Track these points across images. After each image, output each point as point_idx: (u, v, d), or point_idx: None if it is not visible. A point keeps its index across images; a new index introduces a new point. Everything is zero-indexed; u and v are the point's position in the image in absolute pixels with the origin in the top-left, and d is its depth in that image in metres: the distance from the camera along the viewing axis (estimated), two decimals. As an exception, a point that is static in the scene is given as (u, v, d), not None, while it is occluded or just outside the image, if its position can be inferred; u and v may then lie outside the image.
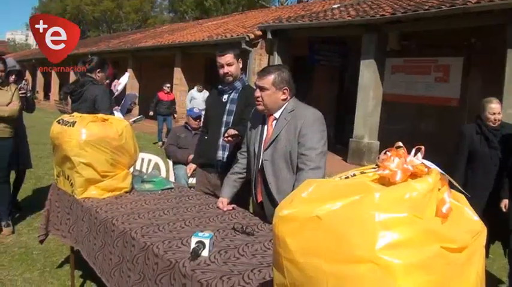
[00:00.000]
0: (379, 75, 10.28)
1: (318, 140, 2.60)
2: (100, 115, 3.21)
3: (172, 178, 5.37)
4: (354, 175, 1.45)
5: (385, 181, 1.37)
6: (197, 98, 11.83)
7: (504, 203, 3.71)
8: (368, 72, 10.20)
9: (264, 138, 2.77)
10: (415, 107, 11.17)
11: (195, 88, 12.29)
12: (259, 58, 12.71)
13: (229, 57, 3.36)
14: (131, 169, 3.41)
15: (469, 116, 9.18)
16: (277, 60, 12.28)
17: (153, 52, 18.27)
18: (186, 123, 6.02)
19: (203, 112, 8.22)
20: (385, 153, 1.48)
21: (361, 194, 1.26)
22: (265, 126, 2.78)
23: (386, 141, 10.06)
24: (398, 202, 1.22)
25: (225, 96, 3.44)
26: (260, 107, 2.71)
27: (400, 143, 1.49)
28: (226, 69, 3.36)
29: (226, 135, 3.07)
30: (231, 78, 3.39)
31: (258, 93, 2.68)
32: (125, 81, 5.18)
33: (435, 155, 1.43)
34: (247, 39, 12.55)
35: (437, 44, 10.40)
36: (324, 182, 1.40)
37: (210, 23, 22.02)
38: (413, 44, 11.08)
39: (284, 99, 2.70)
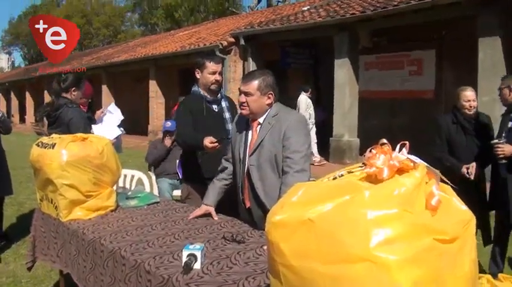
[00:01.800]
0: (353, 73, 10.40)
1: (302, 143, 2.63)
2: (79, 134, 3.17)
3: (156, 192, 5.33)
4: (342, 175, 1.45)
5: (373, 179, 1.37)
6: None
7: (470, 166, 3.74)
8: (342, 71, 10.31)
9: (248, 144, 2.77)
10: (391, 101, 11.34)
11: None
12: (234, 65, 12.75)
13: (221, 67, 3.44)
14: (115, 187, 3.36)
15: (445, 107, 9.36)
16: (251, 66, 12.34)
17: (127, 66, 18.15)
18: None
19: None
20: (370, 151, 1.49)
21: (350, 194, 1.27)
22: (250, 132, 2.79)
23: (366, 138, 10.25)
24: (388, 198, 1.23)
25: (215, 106, 3.46)
26: (245, 112, 2.72)
27: (385, 140, 1.50)
28: (218, 77, 3.40)
29: (209, 141, 3.02)
30: (218, 88, 3.44)
31: (243, 98, 2.69)
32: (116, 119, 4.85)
33: (413, 148, 1.45)
34: (221, 46, 12.59)
35: (409, 39, 10.58)
36: (313, 184, 1.40)
37: (182, 33, 21.98)
38: (384, 40, 11.25)
39: (269, 104, 2.72)
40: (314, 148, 9.99)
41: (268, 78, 2.71)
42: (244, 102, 2.69)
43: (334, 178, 1.45)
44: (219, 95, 3.51)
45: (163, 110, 16.21)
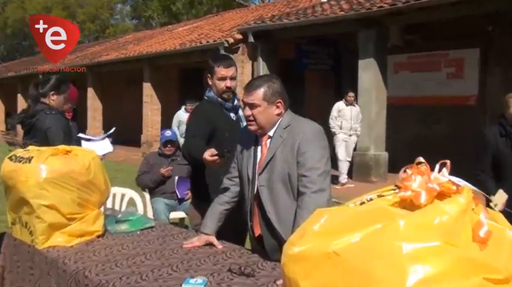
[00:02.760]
0: (381, 76, 10.40)
1: (319, 158, 2.61)
2: (62, 147, 3.18)
3: (150, 214, 5.33)
4: (371, 199, 1.45)
5: (408, 205, 1.37)
6: (185, 122, 9.86)
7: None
8: (368, 74, 10.31)
9: (258, 161, 2.77)
10: (426, 109, 11.30)
11: (182, 108, 10.23)
12: (241, 66, 12.79)
13: (233, 70, 3.43)
14: (102, 208, 3.37)
15: (490, 116, 9.30)
16: (262, 66, 12.38)
17: (117, 66, 18.31)
18: (160, 148, 6.01)
19: (179, 134, 8.13)
20: (404, 171, 1.49)
21: (382, 222, 1.27)
22: (259, 147, 2.79)
23: (395, 152, 10.23)
24: (427, 228, 1.23)
25: (232, 115, 3.50)
26: (253, 127, 2.72)
27: (421, 159, 1.50)
28: (229, 83, 3.40)
29: (209, 154, 2.95)
30: (231, 94, 3.46)
31: (247, 111, 2.69)
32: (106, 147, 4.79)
33: (453, 164, 1.43)
34: (226, 44, 12.65)
35: (447, 36, 10.55)
36: (338, 210, 1.40)
37: (181, 28, 22.17)
38: (417, 38, 11.25)
39: (279, 114, 2.71)
40: (344, 166, 9.89)
41: (275, 84, 2.70)
42: (250, 116, 2.69)
43: (362, 203, 1.44)
44: (236, 101, 3.53)
45: (159, 117, 16.26)
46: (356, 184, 9.94)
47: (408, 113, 11.41)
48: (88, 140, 4.47)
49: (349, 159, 9.95)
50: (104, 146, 4.47)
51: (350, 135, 9.87)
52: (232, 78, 3.44)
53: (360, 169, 10.42)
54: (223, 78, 3.40)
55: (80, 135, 4.30)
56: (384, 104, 10.50)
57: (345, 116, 9.81)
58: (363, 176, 10.20)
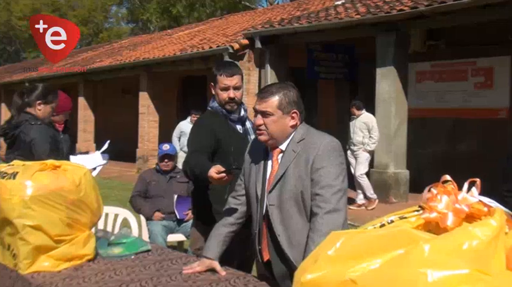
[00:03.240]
0: (401, 86, 10.39)
1: (335, 175, 2.61)
2: (50, 161, 3.19)
3: (146, 237, 5.32)
4: (392, 221, 1.45)
5: (434, 227, 1.37)
6: (188, 133, 9.43)
7: None
8: (387, 83, 10.32)
9: (267, 178, 2.77)
10: (451, 123, 11.27)
11: (188, 119, 10.37)
12: (247, 73, 12.85)
13: (237, 79, 3.44)
14: (93, 229, 3.37)
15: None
16: (270, 74, 12.43)
17: (111, 74, 18.42)
18: (157, 164, 6.03)
19: (179, 147, 8.15)
20: (429, 190, 1.49)
21: (405, 247, 1.26)
22: (269, 162, 2.79)
23: (418, 170, 10.20)
24: (455, 254, 1.22)
25: (239, 127, 3.53)
26: (263, 138, 2.72)
27: (448, 177, 1.49)
28: (233, 93, 3.41)
29: (215, 171, 2.90)
30: (235, 106, 3.47)
31: (259, 120, 2.69)
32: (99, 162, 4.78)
33: (483, 183, 1.43)
34: (231, 50, 12.71)
35: (475, 42, 10.55)
36: (355, 233, 1.39)
37: (182, 32, 22.34)
38: (442, 44, 11.28)
39: (293, 126, 2.72)
40: (368, 186, 9.82)
41: (291, 92, 2.72)
42: (261, 125, 2.69)
43: (382, 225, 1.44)
44: (242, 112, 3.55)
45: (157, 130, 16.33)
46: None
47: (432, 126, 11.39)
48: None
49: (358, 175, 9.78)
50: (95, 159, 4.46)
51: (354, 152, 9.76)
52: (236, 88, 3.44)
53: (377, 188, 10.36)
54: (226, 88, 3.41)
55: (71, 157, 4.29)
56: (404, 117, 10.49)
57: (376, 129, 9.77)
58: (381, 197, 10.16)
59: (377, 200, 9.76)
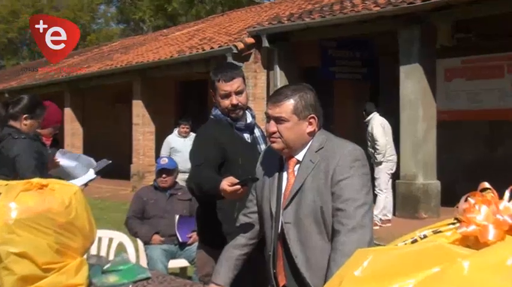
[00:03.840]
0: (428, 86, 10.38)
1: (359, 187, 2.61)
2: (36, 179, 3.20)
3: (145, 263, 5.32)
4: (425, 235, 1.45)
5: (472, 242, 1.36)
6: (180, 149, 9.13)
7: None
8: (412, 82, 10.31)
9: (283, 192, 2.76)
10: (488, 126, 11.22)
11: (176, 131, 9.95)
12: (253, 76, 12.89)
13: (238, 83, 3.42)
14: (85, 255, 3.37)
15: None
16: (279, 76, 12.44)
17: (101, 81, 18.53)
18: (155, 181, 6.03)
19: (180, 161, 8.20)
20: (465, 200, 1.48)
21: (441, 265, 1.26)
22: (284, 174, 2.79)
23: (450, 180, 10.15)
24: (497, 271, 1.21)
25: (247, 135, 3.53)
26: (277, 146, 2.71)
27: (487, 184, 1.49)
28: (235, 99, 3.40)
29: (228, 184, 2.88)
30: (241, 112, 3.46)
31: (273, 127, 2.68)
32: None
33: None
34: (235, 50, 12.75)
35: (510, 33, 10.52)
36: (384, 251, 1.39)
37: (179, 32, 22.44)
38: (472, 37, 11.24)
39: (311, 133, 2.72)
40: (389, 202, 9.76)
41: (308, 94, 2.72)
42: (274, 133, 2.69)
43: (414, 241, 1.44)
44: (250, 118, 3.55)
45: (153, 143, 16.31)
46: (400, 221, 9.83)
47: (464, 130, 11.36)
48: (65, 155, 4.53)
49: (376, 190, 9.55)
50: (87, 174, 4.49)
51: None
52: (239, 92, 3.42)
53: (405, 202, 10.33)
54: (227, 95, 3.40)
55: (58, 153, 4.32)
56: (433, 120, 10.47)
57: (390, 134, 9.70)
58: (409, 211, 10.12)
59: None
